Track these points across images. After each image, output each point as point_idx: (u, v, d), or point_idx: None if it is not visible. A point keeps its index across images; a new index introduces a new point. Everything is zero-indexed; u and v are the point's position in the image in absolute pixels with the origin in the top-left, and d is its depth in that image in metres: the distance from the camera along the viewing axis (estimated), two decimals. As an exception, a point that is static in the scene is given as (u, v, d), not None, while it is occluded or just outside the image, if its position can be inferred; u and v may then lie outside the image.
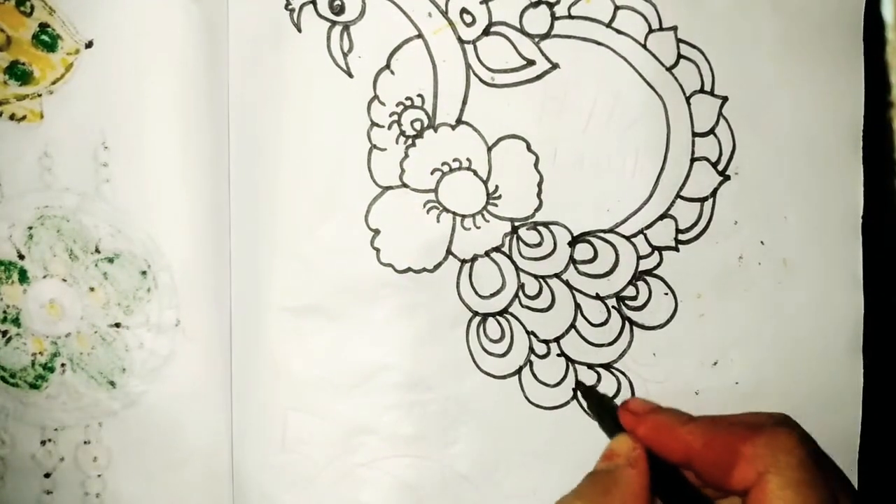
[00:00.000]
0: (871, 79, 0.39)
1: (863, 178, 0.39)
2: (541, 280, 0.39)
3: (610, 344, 0.39)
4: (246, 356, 0.39)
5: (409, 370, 0.39)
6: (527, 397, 0.39)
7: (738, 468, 0.29)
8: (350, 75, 0.38)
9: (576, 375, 0.39)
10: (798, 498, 0.28)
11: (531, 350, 0.39)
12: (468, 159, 0.39)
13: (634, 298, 0.39)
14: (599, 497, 0.30)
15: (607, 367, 0.39)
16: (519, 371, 0.39)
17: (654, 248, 0.39)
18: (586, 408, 0.38)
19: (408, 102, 0.38)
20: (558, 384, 0.39)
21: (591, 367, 0.39)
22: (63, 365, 0.38)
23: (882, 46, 0.40)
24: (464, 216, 0.39)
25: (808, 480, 0.28)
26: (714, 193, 0.39)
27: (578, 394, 0.39)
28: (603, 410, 0.35)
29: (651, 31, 0.38)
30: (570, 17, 0.38)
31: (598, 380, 0.39)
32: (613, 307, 0.39)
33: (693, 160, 0.39)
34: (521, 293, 0.39)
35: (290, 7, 0.37)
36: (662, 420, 0.32)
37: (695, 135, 0.39)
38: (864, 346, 0.39)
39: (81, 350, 0.38)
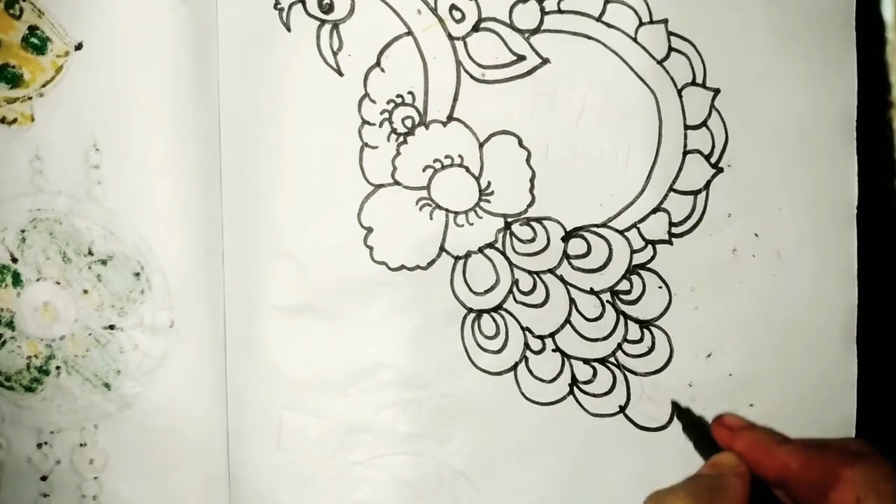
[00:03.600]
0: (865, 71, 0.39)
1: (857, 169, 0.39)
2: (535, 276, 0.39)
3: (605, 338, 0.39)
4: (240, 356, 0.39)
5: (404, 368, 0.38)
6: (522, 393, 0.39)
7: (837, 491, 0.29)
8: (340, 74, 0.38)
9: (571, 370, 0.39)
10: None
11: (526, 346, 0.39)
12: (460, 156, 0.38)
13: (628, 292, 0.39)
14: (706, 497, 0.29)
15: (602, 361, 0.39)
16: (514, 367, 0.39)
17: (648, 242, 0.39)
18: (682, 429, 0.38)
19: (398, 100, 0.38)
20: (554, 380, 0.39)
21: (586, 361, 0.39)
22: (58, 367, 0.38)
23: (882, 46, 0.40)
24: (456, 213, 0.39)
25: None
26: (707, 186, 0.39)
27: (675, 416, 0.39)
28: (698, 431, 0.35)
29: (641, 24, 0.38)
30: (559, 11, 0.38)
31: (594, 374, 0.39)
32: (608, 301, 0.39)
33: (686, 153, 0.39)
34: (515, 289, 0.39)
35: (279, 6, 0.37)
36: (759, 437, 0.32)
37: (687, 127, 0.39)
38: (859, 335, 0.39)
39: (76, 352, 0.38)
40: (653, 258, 0.39)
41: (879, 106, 0.40)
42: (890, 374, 0.40)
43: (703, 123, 0.39)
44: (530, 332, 0.39)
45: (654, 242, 0.39)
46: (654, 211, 0.39)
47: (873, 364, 0.39)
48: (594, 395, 0.39)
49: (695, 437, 0.35)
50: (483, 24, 0.38)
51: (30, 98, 0.37)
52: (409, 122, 0.38)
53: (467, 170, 0.39)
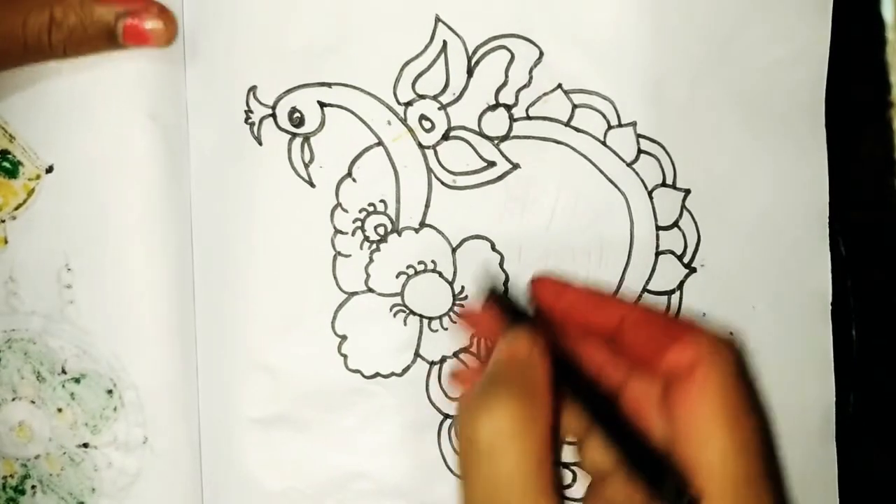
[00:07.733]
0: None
1: (830, 264, 0.39)
2: (511, 379, 0.39)
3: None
4: (216, 470, 0.38)
5: (381, 477, 0.38)
6: (501, 499, 0.39)
7: (675, 349, 0.28)
8: (312, 185, 0.38)
9: (550, 474, 0.39)
10: (727, 403, 0.26)
11: (504, 451, 0.39)
12: (433, 261, 0.39)
13: (606, 394, 0.39)
14: (523, 388, 0.29)
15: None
16: (492, 473, 0.39)
17: (623, 343, 0.39)
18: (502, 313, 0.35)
19: (371, 208, 0.38)
20: (532, 485, 0.39)
21: (566, 466, 0.39)
22: (34, 487, 0.38)
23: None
24: (431, 318, 0.39)
25: (742, 389, 0.27)
26: (681, 286, 0.39)
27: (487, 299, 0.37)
28: (513, 307, 0.34)
29: (610, 127, 0.38)
30: (528, 118, 0.38)
31: (574, 479, 0.39)
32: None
33: (658, 254, 0.39)
34: (491, 393, 0.39)
35: (249, 121, 0.38)
36: (587, 292, 0.32)
37: (659, 228, 0.39)
38: (837, 432, 0.39)
39: (51, 471, 0.38)
40: (629, 359, 0.39)
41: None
42: (869, 471, 0.40)
43: (675, 224, 0.39)
44: (508, 436, 0.39)
45: (629, 343, 0.39)
46: (629, 312, 0.39)
47: (852, 461, 0.39)
48: (573, 501, 0.39)
49: (512, 314, 0.34)
50: (453, 133, 0.38)
51: (3, 221, 0.37)
52: (381, 230, 0.38)
53: (440, 275, 0.39)
